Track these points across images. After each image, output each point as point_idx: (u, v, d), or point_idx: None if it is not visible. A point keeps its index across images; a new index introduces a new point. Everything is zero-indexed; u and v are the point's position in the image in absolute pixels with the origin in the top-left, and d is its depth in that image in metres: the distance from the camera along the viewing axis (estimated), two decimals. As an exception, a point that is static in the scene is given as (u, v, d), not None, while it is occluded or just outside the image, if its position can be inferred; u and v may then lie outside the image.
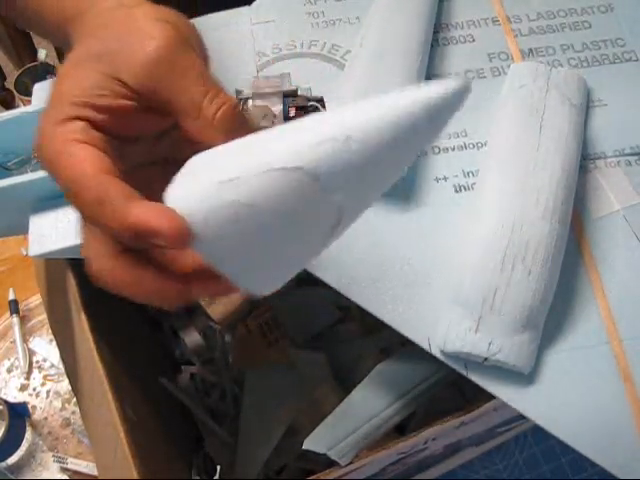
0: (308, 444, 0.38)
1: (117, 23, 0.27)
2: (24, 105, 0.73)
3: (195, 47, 0.28)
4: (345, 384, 0.52)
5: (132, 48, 0.26)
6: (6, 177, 0.36)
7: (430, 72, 0.41)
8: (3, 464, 0.59)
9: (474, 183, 0.37)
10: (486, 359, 0.32)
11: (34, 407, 0.62)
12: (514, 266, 0.33)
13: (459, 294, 0.34)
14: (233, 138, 0.25)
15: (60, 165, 0.25)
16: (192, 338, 0.57)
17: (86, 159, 0.24)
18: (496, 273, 0.33)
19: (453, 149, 0.38)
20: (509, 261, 0.33)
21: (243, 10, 0.43)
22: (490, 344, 0.32)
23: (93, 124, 0.26)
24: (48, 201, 0.37)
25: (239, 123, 0.27)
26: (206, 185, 0.23)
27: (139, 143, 0.28)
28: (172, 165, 0.26)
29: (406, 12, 0.41)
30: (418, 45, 0.40)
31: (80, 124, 0.25)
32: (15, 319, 0.67)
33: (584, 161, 0.38)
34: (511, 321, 0.32)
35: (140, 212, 0.23)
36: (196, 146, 0.26)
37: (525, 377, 0.33)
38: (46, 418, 0.62)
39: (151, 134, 0.29)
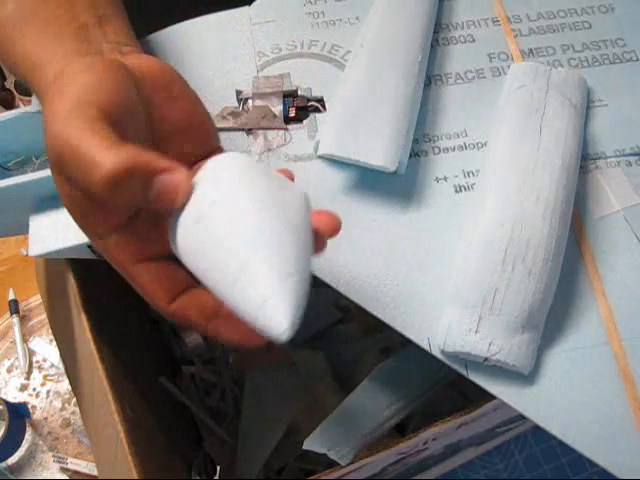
0: (308, 444, 0.38)
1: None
2: (24, 105, 0.73)
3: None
4: (345, 384, 0.52)
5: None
6: (6, 177, 0.36)
7: (430, 72, 0.41)
8: (3, 464, 0.59)
9: (474, 183, 0.37)
10: (486, 359, 0.32)
11: (34, 407, 0.62)
12: (514, 266, 0.33)
13: (459, 294, 0.34)
14: None
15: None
16: (192, 338, 0.57)
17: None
18: (496, 273, 0.33)
19: (453, 149, 0.38)
20: (509, 261, 0.33)
21: (243, 10, 0.43)
22: (490, 344, 0.32)
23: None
24: (48, 201, 0.37)
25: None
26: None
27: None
28: None
29: (406, 12, 0.41)
30: (418, 45, 0.40)
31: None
32: (15, 319, 0.67)
33: (584, 161, 0.38)
34: (511, 321, 0.32)
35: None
36: None
37: (525, 377, 0.33)
38: (46, 418, 0.62)
39: None
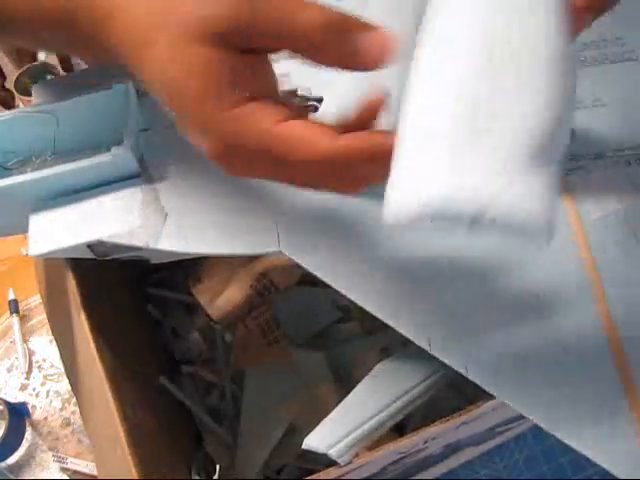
0: (308, 444, 0.38)
1: None
2: (24, 105, 0.73)
3: None
4: (345, 384, 0.52)
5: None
6: (6, 177, 0.36)
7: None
8: (3, 464, 0.59)
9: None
10: (476, 220, 0.21)
11: (34, 407, 0.62)
12: (505, 65, 0.23)
13: (416, 127, 0.23)
14: None
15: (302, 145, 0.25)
16: (192, 338, 0.57)
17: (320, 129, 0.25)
18: (482, 77, 0.22)
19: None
20: (499, 59, 0.23)
21: (243, 10, 0.43)
22: (476, 189, 0.21)
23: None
24: (48, 201, 0.37)
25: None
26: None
27: None
28: None
29: (404, 11, 0.41)
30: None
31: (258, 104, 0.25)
32: (15, 319, 0.67)
33: (584, 161, 0.39)
34: (506, 151, 0.21)
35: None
36: None
37: (525, 377, 0.33)
38: (46, 418, 0.62)
39: None
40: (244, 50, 0.26)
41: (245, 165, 0.26)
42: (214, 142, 0.26)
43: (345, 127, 0.26)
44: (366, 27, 0.26)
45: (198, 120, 0.26)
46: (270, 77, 0.28)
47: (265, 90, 0.27)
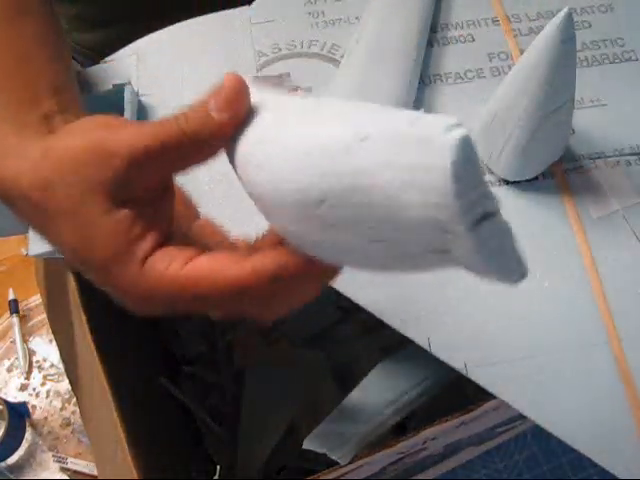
0: (308, 444, 0.38)
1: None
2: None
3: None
4: (345, 384, 0.52)
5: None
6: (6, 177, 0.36)
7: (430, 72, 0.41)
8: (3, 464, 0.59)
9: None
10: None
11: (34, 407, 0.62)
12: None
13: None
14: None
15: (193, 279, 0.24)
16: (192, 338, 0.57)
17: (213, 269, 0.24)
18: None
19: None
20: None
21: (243, 10, 0.43)
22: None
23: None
24: (48, 201, 0.37)
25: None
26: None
27: None
28: None
29: (403, 10, 0.41)
30: (414, 43, 0.40)
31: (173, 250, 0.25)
32: (15, 319, 0.67)
33: (584, 161, 0.39)
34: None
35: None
36: None
37: (525, 377, 0.33)
38: (46, 418, 0.62)
39: None
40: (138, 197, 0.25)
41: (169, 307, 0.26)
42: (130, 302, 0.26)
43: (255, 246, 0.26)
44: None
45: (107, 284, 0.26)
46: (170, 212, 0.27)
47: (167, 229, 0.26)
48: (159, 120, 0.25)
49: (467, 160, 0.17)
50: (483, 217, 0.18)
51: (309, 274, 0.24)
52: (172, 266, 0.24)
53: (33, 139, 0.27)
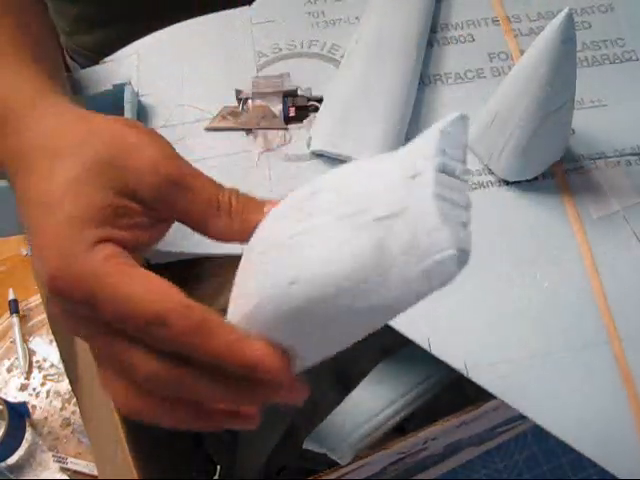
0: (308, 444, 0.38)
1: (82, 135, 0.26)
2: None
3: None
4: (345, 384, 0.52)
5: (134, 161, 0.25)
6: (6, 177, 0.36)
7: (430, 72, 0.41)
8: (3, 464, 0.59)
9: (474, 183, 0.37)
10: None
11: (34, 407, 0.62)
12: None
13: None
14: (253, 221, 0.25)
15: (121, 292, 0.22)
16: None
17: (161, 285, 0.23)
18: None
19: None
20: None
21: (243, 10, 0.43)
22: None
23: (120, 245, 0.24)
24: (48, 201, 0.37)
25: (254, 205, 0.26)
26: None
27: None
28: None
29: (403, 10, 0.41)
30: (414, 43, 0.40)
31: (114, 247, 0.24)
32: (15, 319, 0.67)
33: (584, 161, 0.39)
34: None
35: (258, 349, 0.23)
36: None
37: (525, 377, 0.33)
38: (46, 418, 0.62)
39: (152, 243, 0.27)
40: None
41: (68, 296, 0.24)
42: (47, 274, 0.24)
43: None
44: None
45: (44, 248, 0.24)
46: (152, 238, 0.27)
47: (134, 241, 0.25)
48: None
49: None
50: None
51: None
52: (109, 260, 0.23)
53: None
